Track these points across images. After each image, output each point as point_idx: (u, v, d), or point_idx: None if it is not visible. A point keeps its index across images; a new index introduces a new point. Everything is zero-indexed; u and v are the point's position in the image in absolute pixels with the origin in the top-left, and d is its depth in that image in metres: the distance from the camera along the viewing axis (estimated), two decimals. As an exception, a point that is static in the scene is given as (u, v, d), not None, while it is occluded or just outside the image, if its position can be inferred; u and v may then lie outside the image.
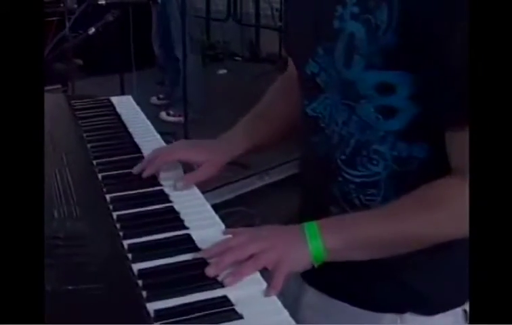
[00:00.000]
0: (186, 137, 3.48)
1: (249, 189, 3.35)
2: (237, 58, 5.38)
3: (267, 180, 3.48)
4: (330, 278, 1.01)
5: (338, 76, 0.99)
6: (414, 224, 0.94)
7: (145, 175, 1.18)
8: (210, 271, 0.89)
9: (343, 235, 0.95)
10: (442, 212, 0.92)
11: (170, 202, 1.12)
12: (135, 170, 1.20)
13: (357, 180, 1.01)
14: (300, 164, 1.17)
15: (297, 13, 1.11)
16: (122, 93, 3.33)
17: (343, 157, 1.02)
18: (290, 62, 1.25)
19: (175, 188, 1.15)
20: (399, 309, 1.04)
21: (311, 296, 1.11)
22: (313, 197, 1.11)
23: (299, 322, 1.10)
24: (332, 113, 1.03)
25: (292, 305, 1.11)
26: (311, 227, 0.95)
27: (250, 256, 0.91)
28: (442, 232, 0.93)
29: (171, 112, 4.17)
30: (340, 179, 1.03)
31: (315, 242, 0.93)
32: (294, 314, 1.10)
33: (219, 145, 1.23)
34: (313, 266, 0.96)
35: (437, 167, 0.95)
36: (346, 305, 1.06)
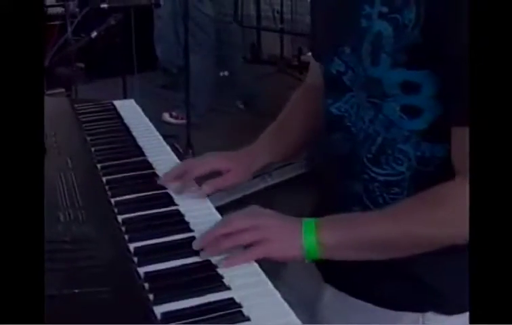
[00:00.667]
0: (188, 141, 3.49)
1: (252, 190, 3.35)
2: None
3: (270, 182, 3.48)
4: (350, 277, 1.01)
5: (364, 74, 0.99)
6: (413, 225, 0.94)
7: (176, 189, 1.17)
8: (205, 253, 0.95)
9: (339, 233, 0.96)
10: (443, 213, 0.92)
11: (175, 204, 1.12)
12: (162, 181, 1.19)
13: (382, 178, 1.02)
14: (318, 163, 1.18)
15: (323, 12, 1.12)
16: (125, 96, 3.33)
17: (369, 155, 1.03)
18: (311, 68, 1.25)
19: (202, 191, 1.15)
20: (420, 308, 1.03)
21: (331, 295, 1.11)
22: (333, 196, 1.11)
23: (318, 322, 1.11)
24: (358, 111, 1.04)
25: (311, 304, 1.12)
26: (308, 222, 0.96)
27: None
28: (444, 233, 0.93)
29: (173, 114, 4.17)
30: (365, 176, 1.03)
31: (309, 237, 0.95)
32: (313, 314, 1.11)
33: (242, 157, 1.24)
34: (333, 265, 0.96)
35: None
36: (367, 304, 1.06)
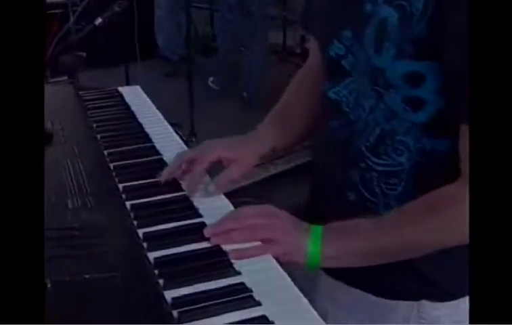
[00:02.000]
0: (192, 128, 3.49)
1: (255, 179, 3.35)
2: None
3: (273, 170, 3.48)
4: (347, 267, 1.00)
5: (367, 61, 0.97)
6: (418, 235, 0.94)
7: (189, 185, 1.11)
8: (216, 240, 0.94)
9: (343, 246, 0.96)
10: (447, 221, 0.92)
11: (182, 190, 1.12)
12: (164, 177, 1.13)
13: (380, 168, 1.01)
14: (315, 148, 1.16)
15: None
16: (127, 84, 3.32)
17: (368, 144, 1.01)
18: (312, 47, 1.23)
19: (207, 193, 1.10)
20: (415, 296, 1.04)
21: (328, 285, 1.10)
22: (328, 182, 1.10)
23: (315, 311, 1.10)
24: (358, 98, 1.02)
25: (308, 294, 1.11)
26: (316, 232, 0.96)
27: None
28: (448, 239, 0.93)
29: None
30: (362, 165, 1.02)
31: (314, 248, 0.95)
32: (310, 303, 1.11)
33: (248, 142, 1.20)
34: None
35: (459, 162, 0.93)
36: (363, 293, 1.06)
